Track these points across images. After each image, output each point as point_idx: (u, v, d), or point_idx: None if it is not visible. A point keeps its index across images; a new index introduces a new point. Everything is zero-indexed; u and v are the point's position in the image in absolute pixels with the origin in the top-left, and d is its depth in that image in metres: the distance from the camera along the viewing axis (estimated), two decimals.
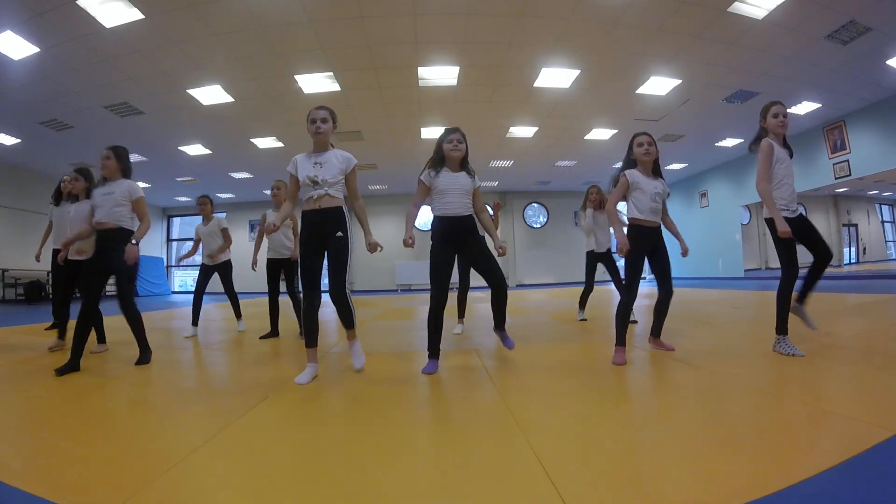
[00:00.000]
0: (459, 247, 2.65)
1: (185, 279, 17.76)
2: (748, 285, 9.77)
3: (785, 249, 2.58)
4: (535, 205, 16.26)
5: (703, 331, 3.64)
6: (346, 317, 2.60)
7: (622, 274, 4.35)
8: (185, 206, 16.22)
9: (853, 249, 16.82)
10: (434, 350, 2.61)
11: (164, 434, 1.62)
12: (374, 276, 14.92)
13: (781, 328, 2.59)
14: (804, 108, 8.53)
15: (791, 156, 2.72)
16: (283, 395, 2.09)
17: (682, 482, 1.13)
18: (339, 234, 2.48)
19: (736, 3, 5.20)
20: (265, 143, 9.71)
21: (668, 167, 13.00)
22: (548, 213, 16.15)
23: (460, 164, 2.68)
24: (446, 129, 2.71)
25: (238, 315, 4.71)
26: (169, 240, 17.02)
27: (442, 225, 2.63)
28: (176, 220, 17.10)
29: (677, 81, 7.30)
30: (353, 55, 6.25)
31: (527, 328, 4.25)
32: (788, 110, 2.78)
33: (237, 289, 4.80)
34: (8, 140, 8.75)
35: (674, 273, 2.82)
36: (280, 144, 9.80)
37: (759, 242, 14.42)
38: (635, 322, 4.10)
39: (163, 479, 1.21)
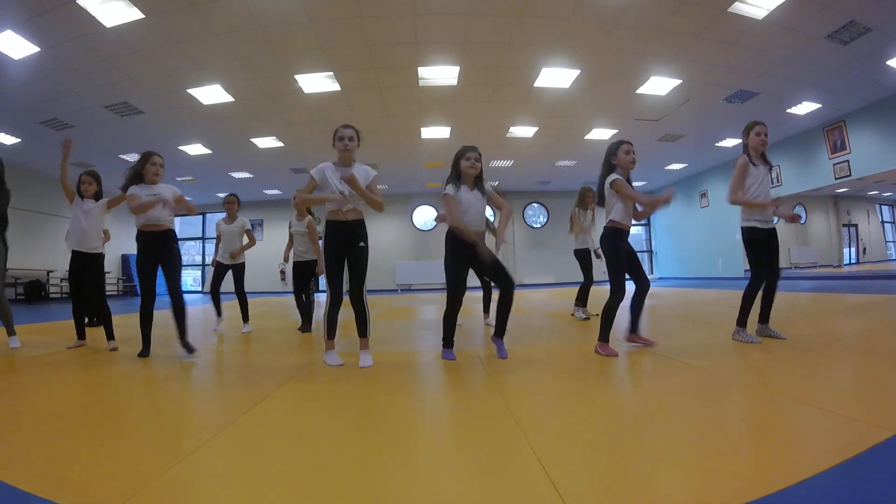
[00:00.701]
0: (473, 256, 2.79)
1: (184, 279, 17.76)
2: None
3: (755, 255, 3.03)
4: (535, 205, 16.27)
5: (703, 330, 3.64)
6: (362, 323, 2.80)
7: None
8: None
9: (853, 250, 16.80)
10: (449, 341, 2.87)
11: (164, 434, 1.62)
12: (374, 276, 14.86)
13: (741, 321, 3.02)
14: (804, 108, 8.52)
15: (770, 169, 3.09)
16: (282, 395, 2.09)
17: (682, 482, 1.13)
18: (362, 244, 2.75)
19: (736, 3, 5.20)
20: (265, 142, 9.71)
21: (668, 167, 13.01)
22: (548, 213, 16.16)
23: (474, 182, 2.80)
24: (465, 147, 2.84)
25: (245, 318, 4.72)
26: None
27: (459, 237, 2.74)
28: (176, 220, 17.03)
29: (677, 81, 7.30)
30: (353, 55, 6.25)
31: (527, 328, 4.25)
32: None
33: (231, 288, 4.85)
34: (8, 140, 8.74)
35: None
36: (280, 144, 9.80)
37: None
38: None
39: (163, 479, 1.20)
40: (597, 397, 1.96)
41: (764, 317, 3.10)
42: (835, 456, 1.19)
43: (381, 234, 15.38)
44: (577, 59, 6.59)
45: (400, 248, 15.08)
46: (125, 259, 14.10)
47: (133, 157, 9.96)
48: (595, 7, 5.32)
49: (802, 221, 16.16)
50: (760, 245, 3.02)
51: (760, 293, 3.07)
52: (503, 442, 1.43)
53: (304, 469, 1.28)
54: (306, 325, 4.48)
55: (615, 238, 2.79)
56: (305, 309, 4.60)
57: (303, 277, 4.61)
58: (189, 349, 3.10)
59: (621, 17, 5.53)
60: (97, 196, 3.70)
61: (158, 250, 3.14)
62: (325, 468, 1.28)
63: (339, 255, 2.71)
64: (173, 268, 3.18)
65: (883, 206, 18.91)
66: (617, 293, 2.76)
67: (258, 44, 5.85)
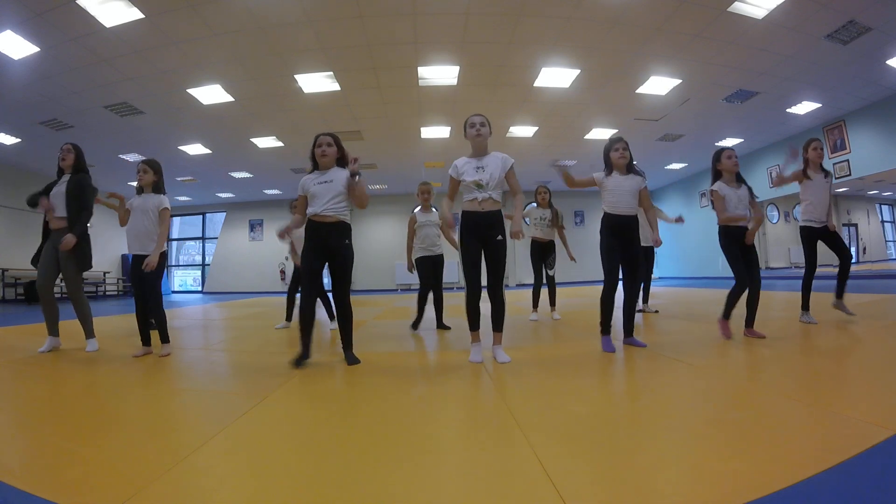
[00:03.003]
0: (624, 241, 2.92)
1: (184, 279, 17.78)
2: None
3: (810, 249, 3.68)
4: (536, 205, 16.27)
5: (703, 330, 3.63)
6: (499, 317, 2.74)
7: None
8: (185, 206, 16.22)
9: (853, 249, 16.82)
10: (607, 327, 2.96)
11: (165, 434, 1.62)
12: (374, 276, 14.93)
13: (805, 306, 3.66)
14: (804, 107, 8.53)
15: (826, 176, 3.64)
16: (282, 395, 2.09)
17: (682, 482, 1.13)
18: (500, 237, 2.69)
19: (736, 3, 5.21)
20: (265, 142, 9.71)
21: (668, 167, 13.02)
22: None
23: (626, 168, 2.96)
24: (611, 139, 2.99)
25: (331, 316, 4.75)
26: (169, 239, 17.03)
27: (610, 221, 2.92)
28: (176, 220, 17.10)
29: (677, 81, 7.30)
30: (353, 55, 6.25)
31: (527, 328, 4.25)
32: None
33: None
34: (8, 140, 8.75)
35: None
36: (280, 144, 9.80)
37: (758, 242, 14.40)
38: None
39: (163, 479, 1.20)
40: (597, 397, 1.96)
41: (839, 293, 3.71)
42: (835, 456, 1.19)
43: (381, 234, 15.39)
44: (577, 59, 6.59)
45: (400, 248, 15.06)
46: (125, 259, 14.09)
47: (133, 157, 10.03)
48: (595, 7, 5.32)
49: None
50: (815, 240, 3.66)
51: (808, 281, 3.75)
52: (503, 442, 1.43)
53: (304, 468, 1.28)
54: (418, 323, 4.24)
55: (724, 235, 3.21)
56: (424, 307, 4.26)
57: (430, 273, 4.19)
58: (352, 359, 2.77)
59: (621, 17, 5.53)
60: (157, 187, 3.27)
61: (325, 243, 2.72)
62: (325, 468, 1.28)
63: (476, 246, 2.67)
64: (345, 267, 2.77)
65: (883, 206, 18.92)
66: (741, 282, 3.11)
67: (258, 44, 5.85)
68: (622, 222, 2.92)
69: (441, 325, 4.24)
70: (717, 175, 3.27)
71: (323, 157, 2.73)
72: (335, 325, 4.58)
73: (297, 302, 4.64)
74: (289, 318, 4.80)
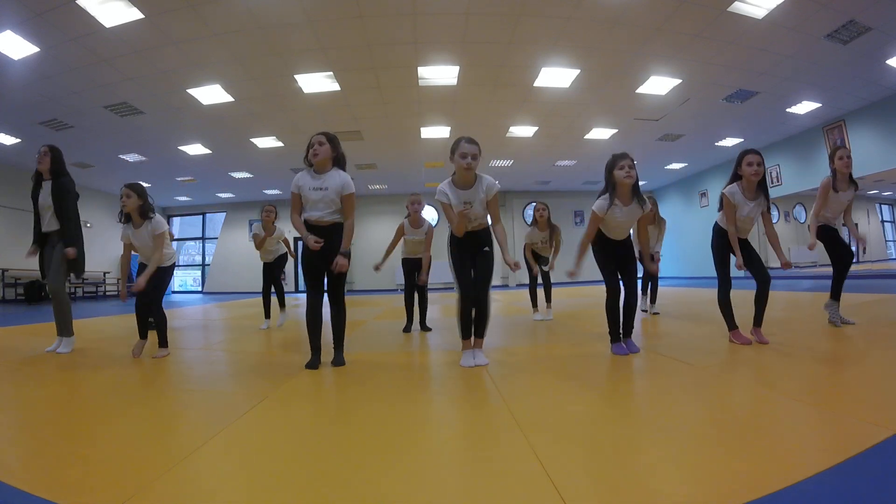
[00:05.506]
0: (615, 246, 2.87)
1: (184, 279, 17.78)
2: (748, 285, 9.76)
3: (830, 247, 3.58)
4: (535, 205, 16.26)
5: (703, 330, 3.63)
6: (481, 322, 2.70)
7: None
8: (185, 206, 16.22)
9: (853, 249, 16.83)
10: (617, 335, 2.88)
11: (164, 434, 1.62)
12: (374, 276, 14.89)
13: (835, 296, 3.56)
14: (804, 107, 8.53)
15: (856, 189, 3.51)
16: (283, 395, 2.08)
17: (682, 482, 1.13)
18: (486, 248, 2.71)
19: (736, 2, 5.21)
20: (265, 142, 9.72)
21: (668, 167, 13.02)
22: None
23: (631, 194, 2.76)
24: (615, 155, 2.77)
25: (282, 304, 5.00)
26: (172, 239, 17.03)
27: (602, 237, 2.86)
28: (176, 220, 17.10)
29: (677, 81, 7.30)
30: (353, 55, 6.25)
31: (527, 328, 4.25)
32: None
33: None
34: (8, 140, 8.75)
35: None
36: (280, 144, 9.81)
37: (758, 242, 14.38)
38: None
39: (163, 479, 1.20)
40: (597, 397, 1.96)
41: (835, 295, 3.61)
42: (835, 456, 1.19)
43: (380, 234, 15.39)
44: (577, 59, 6.59)
45: (399, 248, 15.10)
46: None
47: (133, 157, 10.04)
48: (595, 7, 5.32)
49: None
50: (829, 234, 3.57)
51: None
52: (503, 442, 1.43)
53: (304, 468, 1.28)
54: (409, 325, 4.32)
55: (719, 236, 3.07)
56: (411, 308, 4.41)
57: (413, 272, 4.38)
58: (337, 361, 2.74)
59: (621, 17, 5.53)
60: (142, 210, 3.10)
61: (324, 244, 2.63)
62: (324, 467, 1.28)
63: (467, 258, 2.69)
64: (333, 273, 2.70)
65: (883, 206, 18.93)
66: (726, 285, 3.08)
67: (258, 44, 5.85)
68: (617, 244, 2.90)
69: (423, 327, 4.29)
70: (736, 178, 2.93)
71: (314, 157, 2.63)
72: (283, 318, 4.89)
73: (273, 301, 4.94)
74: (267, 315, 4.91)
